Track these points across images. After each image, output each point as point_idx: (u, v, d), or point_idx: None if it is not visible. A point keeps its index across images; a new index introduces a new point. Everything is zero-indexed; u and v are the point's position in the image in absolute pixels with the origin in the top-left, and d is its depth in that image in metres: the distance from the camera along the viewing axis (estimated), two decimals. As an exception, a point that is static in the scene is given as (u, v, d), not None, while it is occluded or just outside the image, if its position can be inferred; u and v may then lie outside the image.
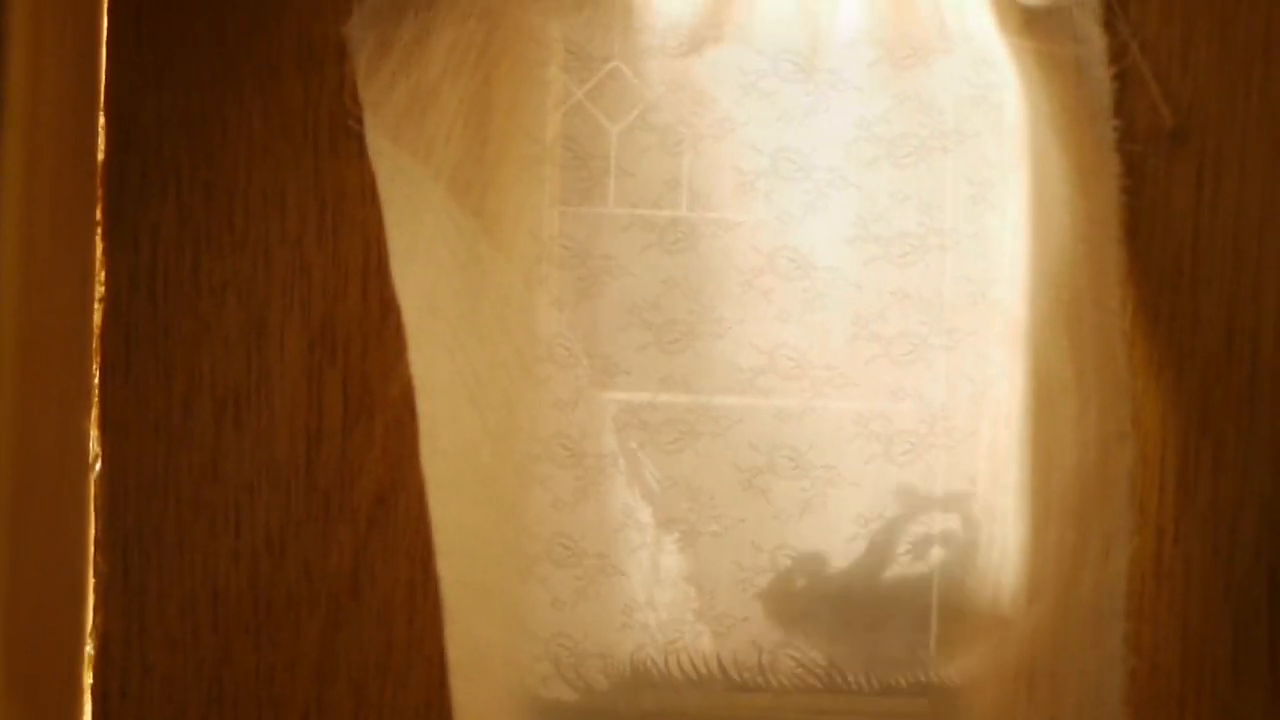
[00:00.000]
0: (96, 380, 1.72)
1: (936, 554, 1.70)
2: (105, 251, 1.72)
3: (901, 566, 1.70)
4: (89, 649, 1.72)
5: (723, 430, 1.70)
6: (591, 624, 1.69)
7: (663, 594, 1.70)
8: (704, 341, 1.69)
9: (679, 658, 1.70)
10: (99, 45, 1.70)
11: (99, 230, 1.71)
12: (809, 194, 1.68)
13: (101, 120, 1.71)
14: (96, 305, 1.72)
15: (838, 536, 1.69)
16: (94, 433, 1.72)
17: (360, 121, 1.64)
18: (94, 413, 1.72)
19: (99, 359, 1.72)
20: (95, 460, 1.72)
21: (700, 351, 1.69)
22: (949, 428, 1.68)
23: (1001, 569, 1.68)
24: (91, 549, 1.72)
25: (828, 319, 1.68)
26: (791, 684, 1.69)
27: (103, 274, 1.72)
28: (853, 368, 1.69)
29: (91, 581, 1.72)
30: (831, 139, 1.68)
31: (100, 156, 1.71)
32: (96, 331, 1.72)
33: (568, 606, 1.69)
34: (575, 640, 1.69)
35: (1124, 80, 1.67)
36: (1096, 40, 1.65)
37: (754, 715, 1.71)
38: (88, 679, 1.72)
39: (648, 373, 1.70)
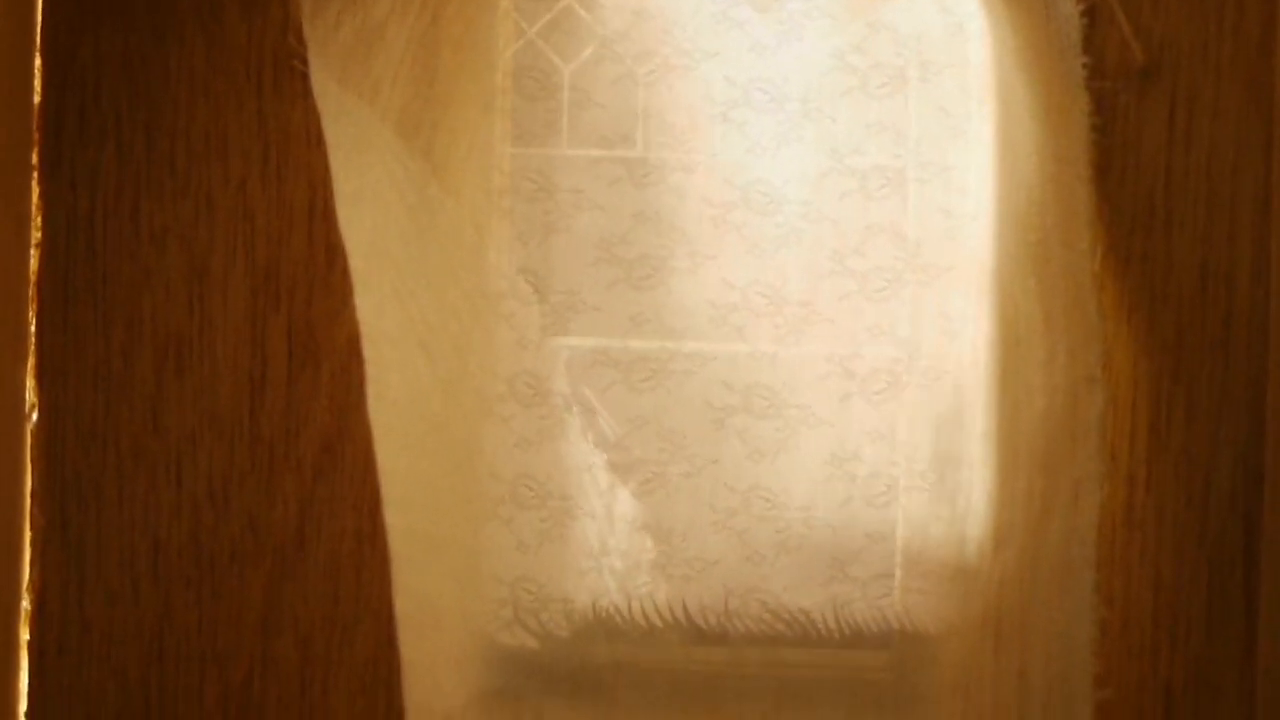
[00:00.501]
0: (33, 328, 1.67)
1: (902, 499, 1.65)
2: (42, 196, 1.67)
3: (865, 511, 1.65)
4: (25, 604, 1.68)
5: (694, 369, 1.66)
6: (554, 568, 1.65)
7: (629, 538, 1.66)
8: (676, 278, 1.66)
9: (644, 604, 1.66)
10: (34, -18, 1.67)
11: (35, 174, 1.67)
12: (781, 126, 1.65)
13: (38, 61, 1.66)
14: (33, 251, 1.68)
15: (811, 477, 1.65)
16: (30, 382, 1.68)
17: (305, 61, 1.59)
18: (30, 361, 1.67)
19: (35, 306, 1.68)
20: (31, 410, 1.68)
21: (672, 288, 1.66)
22: (923, 367, 1.64)
23: (968, 516, 1.63)
24: (28, 501, 1.68)
25: (801, 254, 1.65)
26: (759, 631, 1.65)
27: (39, 219, 1.67)
28: (827, 304, 1.65)
29: (28, 534, 1.68)
30: (804, 69, 1.65)
31: (36, 99, 1.67)
32: (33, 278, 1.67)
33: (530, 550, 1.65)
34: (537, 585, 1.65)
35: (1093, 16, 1.62)
36: (1065, -27, 1.60)
37: (716, 667, 1.66)
38: (24, 635, 1.68)
39: (617, 310, 1.66)
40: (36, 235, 1.67)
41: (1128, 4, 1.63)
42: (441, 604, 1.62)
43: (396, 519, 1.57)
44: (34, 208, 1.67)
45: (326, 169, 1.58)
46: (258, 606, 1.68)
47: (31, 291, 1.67)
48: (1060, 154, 1.58)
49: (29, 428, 1.67)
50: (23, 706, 1.68)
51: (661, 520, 1.66)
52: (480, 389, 1.65)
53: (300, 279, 1.67)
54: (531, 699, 1.66)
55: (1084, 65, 1.60)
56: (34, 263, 1.67)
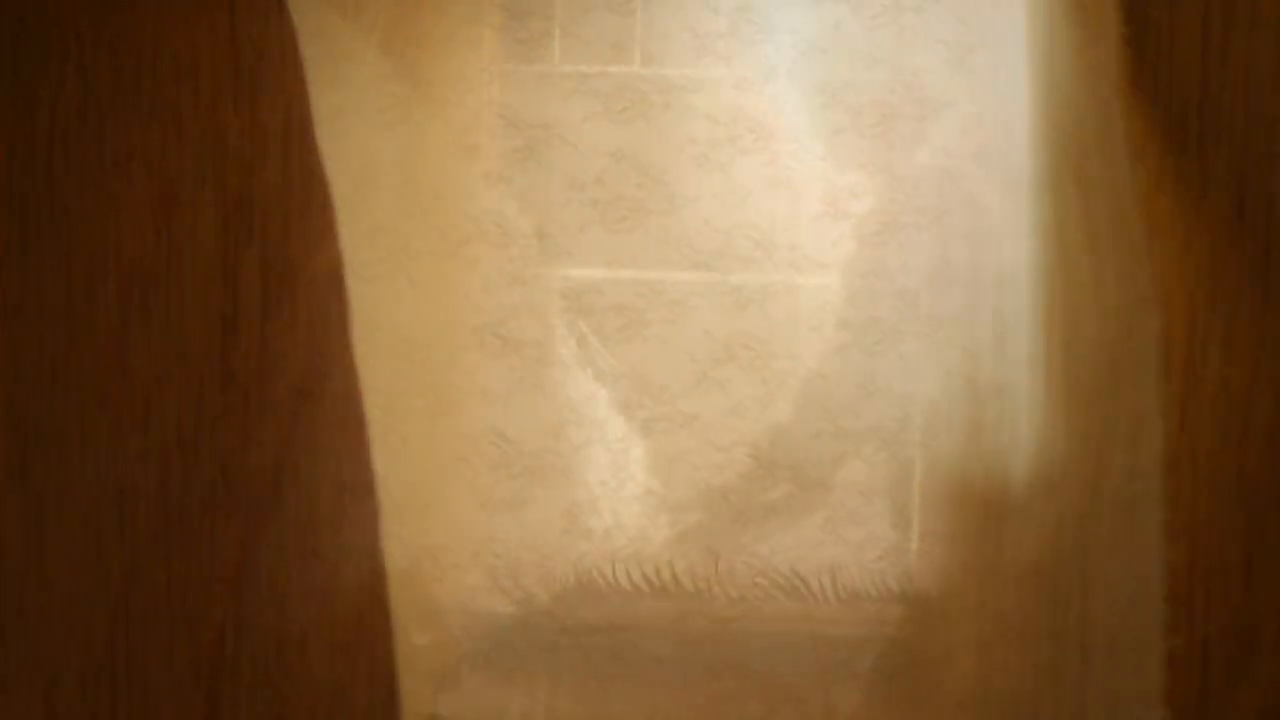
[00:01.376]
0: (-12, 261, 1.59)
1: (919, 439, 1.55)
2: (-3, 120, 1.58)
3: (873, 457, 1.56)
4: (-20, 560, 1.59)
5: (675, 317, 1.56)
6: (531, 529, 1.55)
7: (610, 496, 1.56)
8: (655, 219, 1.56)
9: (628, 566, 1.56)
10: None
11: (-11, 97, 1.58)
12: (771, 58, 1.55)
13: (-8, -24, 1.57)
14: (-13, 179, 1.59)
15: (802, 431, 1.55)
16: (-16, 319, 1.59)
17: (280, -27, 1.51)
18: (-16, 298, 1.58)
19: (-11, 238, 1.59)
20: (-14, 349, 1.59)
21: (651, 230, 1.56)
22: (932, 313, 1.54)
23: (1014, 453, 1.53)
24: (-18, 448, 1.59)
25: (792, 195, 1.55)
26: (751, 593, 1.55)
27: (-7, 145, 1.59)
28: (819, 248, 1.55)
29: (-17, 484, 1.59)
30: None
31: (-10, 16, 1.57)
32: (-13, 208, 1.59)
33: (503, 510, 1.55)
34: (510, 548, 1.55)
35: (1122, -81, 1.53)
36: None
37: (708, 626, 1.56)
38: (-21, 594, 1.59)
39: (592, 254, 1.56)
40: (-10, 162, 1.59)
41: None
42: (434, 559, 1.53)
43: (387, 468, 1.49)
44: (-12, 133, 1.58)
45: (304, 90, 1.50)
46: (231, 563, 1.59)
47: (-14, 222, 1.58)
48: (1094, 64, 1.49)
49: (-17, 369, 1.58)
50: (-22, 673, 1.59)
51: (642, 477, 1.57)
52: (472, 324, 1.56)
53: (275, 208, 1.58)
54: (523, 659, 1.57)
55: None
56: (-13, 192, 1.59)
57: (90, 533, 1.58)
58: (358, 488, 1.54)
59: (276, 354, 1.58)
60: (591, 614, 1.57)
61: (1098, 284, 1.48)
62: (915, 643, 1.56)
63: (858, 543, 1.56)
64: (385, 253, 1.52)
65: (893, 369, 1.55)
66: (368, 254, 1.51)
